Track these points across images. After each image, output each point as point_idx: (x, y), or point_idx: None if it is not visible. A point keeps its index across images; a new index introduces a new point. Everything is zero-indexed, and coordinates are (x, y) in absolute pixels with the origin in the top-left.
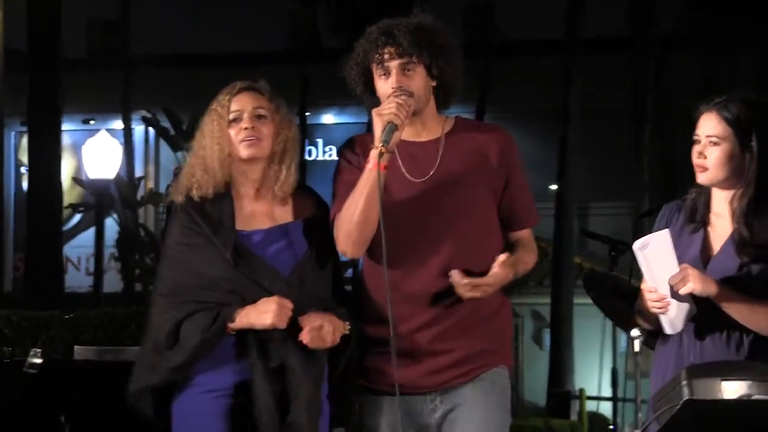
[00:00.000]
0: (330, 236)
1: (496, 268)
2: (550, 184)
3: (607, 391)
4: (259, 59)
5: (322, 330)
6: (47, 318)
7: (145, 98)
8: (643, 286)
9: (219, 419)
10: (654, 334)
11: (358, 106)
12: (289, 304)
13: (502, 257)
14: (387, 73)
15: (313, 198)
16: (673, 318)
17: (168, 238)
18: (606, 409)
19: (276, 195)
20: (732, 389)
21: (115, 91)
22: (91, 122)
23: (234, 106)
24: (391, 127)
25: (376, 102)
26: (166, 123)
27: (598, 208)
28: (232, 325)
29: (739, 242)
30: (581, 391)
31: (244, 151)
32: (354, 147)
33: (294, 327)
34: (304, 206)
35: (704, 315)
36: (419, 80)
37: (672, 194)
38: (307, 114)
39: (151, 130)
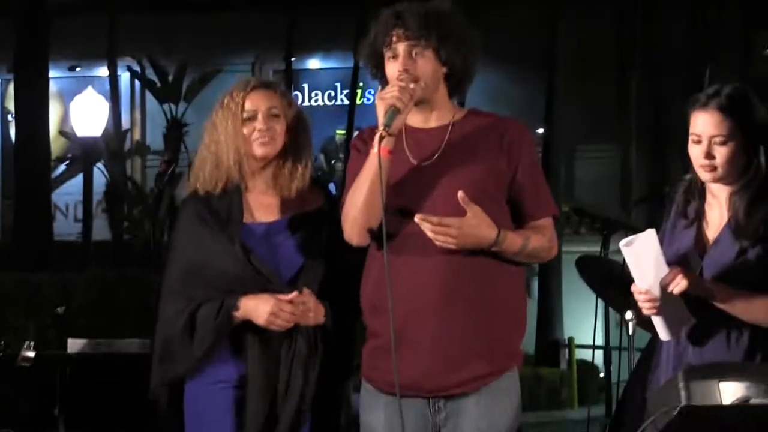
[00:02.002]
0: (337, 228)
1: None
2: (537, 128)
3: (597, 340)
4: (244, 3)
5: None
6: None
7: (131, 44)
8: (633, 288)
9: (228, 412)
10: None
11: (343, 50)
12: (286, 307)
13: (460, 194)
14: (395, 56)
15: (323, 191)
16: (666, 322)
17: (175, 231)
18: (594, 357)
19: (286, 189)
20: (730, 391)
21: (100, 37)
22: (77, 69)
23: (248, 105)
24: (393, 111)
25: (387, 84)
26: (151, 72)
27: (586, 152)
28: (236, 314)
29: (736, 229)
30: (570, 339)
31: (258, 150)
32: (363, 136)
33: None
34: (313, 199)
35: (701, 314)
36: (427, 65)
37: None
38: (292, 59)
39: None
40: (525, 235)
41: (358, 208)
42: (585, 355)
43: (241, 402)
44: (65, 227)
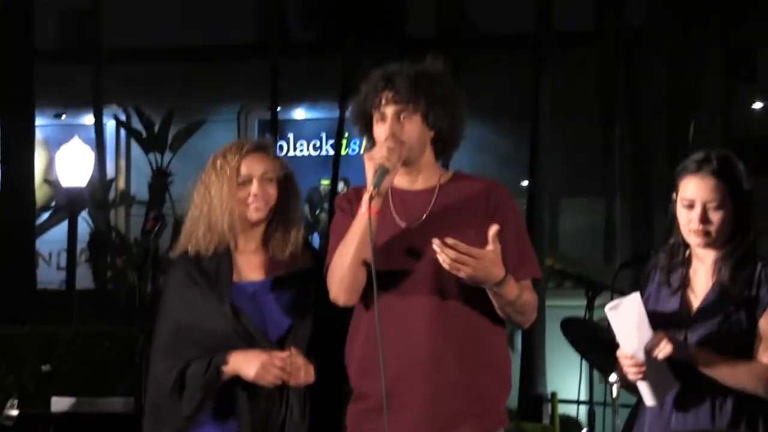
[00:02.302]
0: (324, 288)
1: (489, 245)
2: (522, 180)
3: (580, 396)
4: (229, 52)
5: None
6: (19, 335)
7: (117, 92)
8: (619, 353)
9: None
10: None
11: (329, 101)
12: (277, 362)
13: (494, 228)
14: (383, 118)
15: (311, 252)
16: (652, 387)
17: (165, 291)
18: (578, 412)
19: (279, 252)
20: None
21: (86, 84)
22: (63, 117)
23: (244, 170)
24: (383, 171)
25: (374, 144)
26: (136, 121)
27: (570, 204)
28: (225, 368)
29: (721, 294)
30: (553, 394)
31: (253, 215)
32: (348, 195)
33: (281, 385)
34: (303, 259)
35: (685, 380)
36: (414, 129)
37: (643, 192)
38: (278, 109)
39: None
40: (520, 286)
41: (346, 267)
42: (568, 410)
43: None
44: (48, 275)
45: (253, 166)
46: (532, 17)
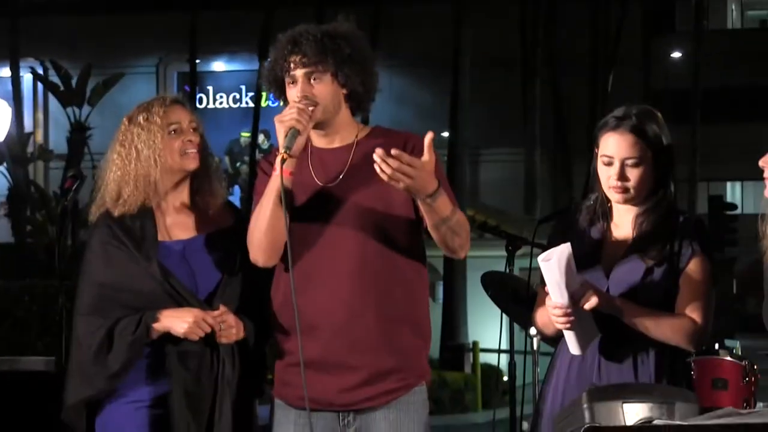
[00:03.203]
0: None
1: (425, 154)
2: (443, 131)
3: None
4: (148, 5)
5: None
6: None
7: (34, 46)
8: (548, 302)
9: (140, 430)
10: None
11: (248, 53)
12: (209, 319)
13: (429, 135)
14: (294, 81)
15: (233, 210)
16: (577, 337)
17: (86, 252)
18: (498, 361)
19: (208, 205)
20: (633, 412)
21: (2, 37)
22: None
23: (173, 118)
24: (293, 133)
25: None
26: (54, 75)
27: (490, 155)
28: (155, 325)
29: (641, 249)
30: (474, 343)
31: (191, 164)
32: (269, 158)
33: (212, 341)
34: (225, 217)
35: (608, 333)
36: (325, 89)
37: (562, 144)
38: (197, 61)
39: None
40: (454, 205)
41: (262, 230)
42: (489, 359)
43: (158, 421)
44: None
45: (179, 115)
46: None
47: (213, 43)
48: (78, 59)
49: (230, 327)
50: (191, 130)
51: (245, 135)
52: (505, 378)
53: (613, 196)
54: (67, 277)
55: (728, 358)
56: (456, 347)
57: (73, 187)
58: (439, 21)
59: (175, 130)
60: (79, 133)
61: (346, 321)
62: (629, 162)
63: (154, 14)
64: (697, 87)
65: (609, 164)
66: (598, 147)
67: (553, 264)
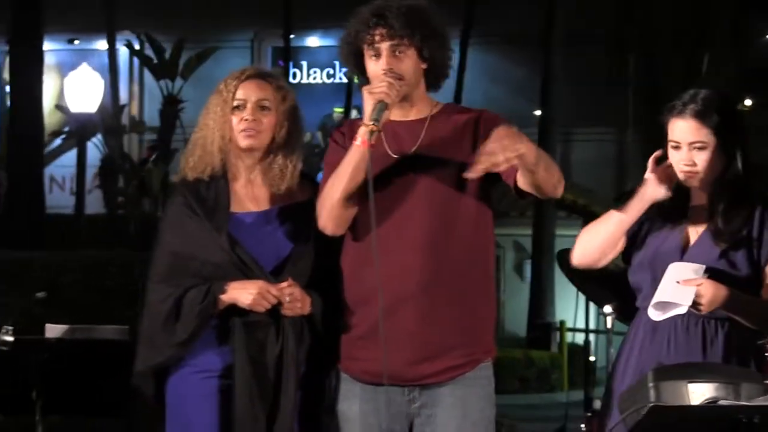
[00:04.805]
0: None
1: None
2: (534, 110)
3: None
4: None
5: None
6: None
7: (130, 19)
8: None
9: (208, 400)
10: (627, 314)
11: (343, 28)
12: (273, 291)
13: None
14: (378, 54)
15: (311, 184)
16: (665, 302)
17: (162, 219)
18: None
19: (276, 186)
20: (699, 392)
21: (99, 10)
22: (76, 42)
23: (239, 94)
24: (382, 106)
25: (366, 82)
26: (149, 48)
27: (582, 134)
28: (222, 296)
29: (716, 232)
30: (561, 323)
31: (242, 142)
32: (342, 129)
33: (277, 315)
34: (302, 191)
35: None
36: (410, 63)
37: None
38: (291, 36)
39: None
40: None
41: (336, 198)
42: (576, 338)
43: (224, 392)
44: (62, 200)
45: (249, 92)
46: None
47: (308, 18)
48: (172, 33)
49: (296, 300)
50: (258, 108)
51: (338, 110)
52: (592, 358)
53: (685, 180)
54: (146, 248)
55: None
56: (543, 326)
57: (151, 158)
58: None
59: (238, 106)
60: (170, 106)
61: (416, 294)
62: (695, 146)
63: None
64: None
65: (677, 148)
66: (666, 132)
67: (680, 269)
